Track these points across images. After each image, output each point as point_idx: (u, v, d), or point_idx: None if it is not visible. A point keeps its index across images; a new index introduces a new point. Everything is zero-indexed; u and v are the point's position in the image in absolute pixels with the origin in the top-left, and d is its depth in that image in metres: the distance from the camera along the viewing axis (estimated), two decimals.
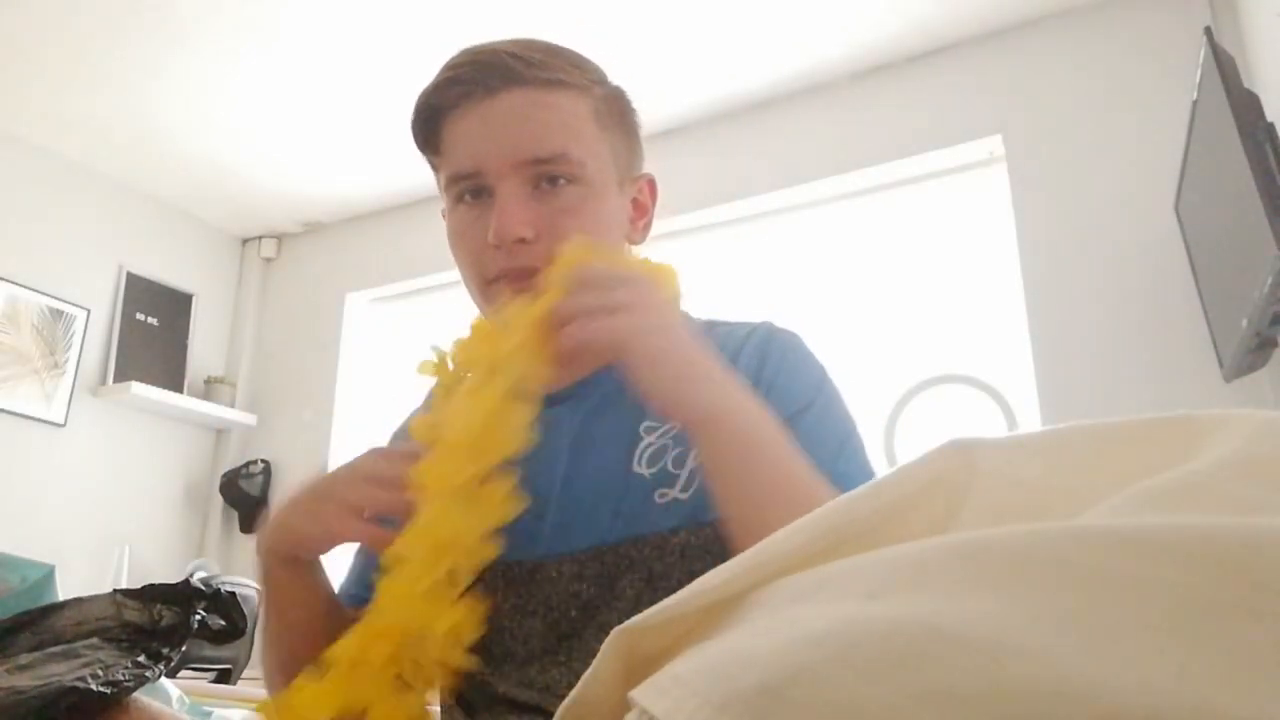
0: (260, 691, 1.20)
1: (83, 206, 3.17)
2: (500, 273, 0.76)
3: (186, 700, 1.24)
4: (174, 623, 0.76)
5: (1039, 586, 0.23)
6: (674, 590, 0.71)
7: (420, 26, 2.43)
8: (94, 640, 0.72)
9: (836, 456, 0.74)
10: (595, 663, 0.29)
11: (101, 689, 0.65)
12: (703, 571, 0.71)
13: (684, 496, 0.74)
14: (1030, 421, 2.20)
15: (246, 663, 2.29)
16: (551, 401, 0.83)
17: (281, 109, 2.84)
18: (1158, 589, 0.22)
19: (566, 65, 0.79)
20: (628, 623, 0.29)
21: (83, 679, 0.65)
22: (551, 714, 0.73)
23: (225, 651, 2.11)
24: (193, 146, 3.06)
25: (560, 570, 0.75)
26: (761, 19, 2.43)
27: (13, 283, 2.93)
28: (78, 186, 3.16)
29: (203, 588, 0.81)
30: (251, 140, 3.01)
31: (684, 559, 0.73)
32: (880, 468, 0.67)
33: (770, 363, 0.80)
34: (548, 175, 0.76)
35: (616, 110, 0.83)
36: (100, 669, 0.67)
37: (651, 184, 0.88)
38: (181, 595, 0.80)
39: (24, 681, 0.64)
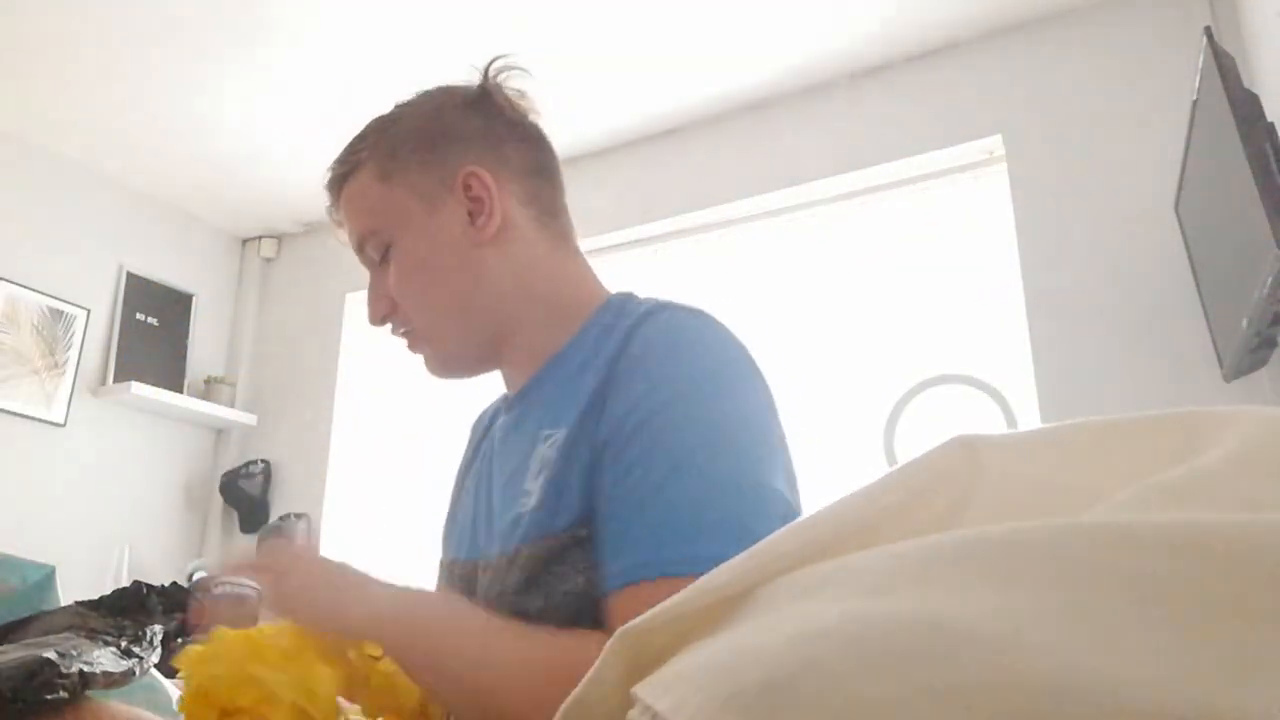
0: None
1: (83, 206, 3.17)
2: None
3: None
4: (136, 633, 0.76)
5: (1044, 583, 0.23)
6: (510, 608, 0.74)
7: (420, 27, 2.43)
8: (67, 634, 0.72)
9: (666, 478, 0.69)
10: (597, 664, 0.29)
11: (83, 665, 0.65)
12: (542, 581, 0.74)
13: (530, 509, 0.77)
14: (1030, 421, 2.20)
15: None
16: (512, 405, 0.90)
17: (282, 109, 2.84)
18: (1163, 585, 0.22)
19: (354, 150, 0.88)
20: (630, 624, 0.29)
21: (63, 652, 0.64)
22: None
23: None
24: (192, 146, 3.05)
25: (481, 571, 0.82)
26: (761, 19, 2.43)
27: (13, 283, 2.93)
28: (78, 186, 3.16)
29: (151, 584, 0.82)
30: (251, 140, 3.01)
31: (523, 571, 0.75)
32: (877, 470, 0.65)
33: (626, 358, 0.76)
34: (372, 259, 0.88)
35: (403, 145, 0.86)
36: (74, 650, 0.67)
37: (476, 175, 0.85)
38: (135, 600, 0.80)
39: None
